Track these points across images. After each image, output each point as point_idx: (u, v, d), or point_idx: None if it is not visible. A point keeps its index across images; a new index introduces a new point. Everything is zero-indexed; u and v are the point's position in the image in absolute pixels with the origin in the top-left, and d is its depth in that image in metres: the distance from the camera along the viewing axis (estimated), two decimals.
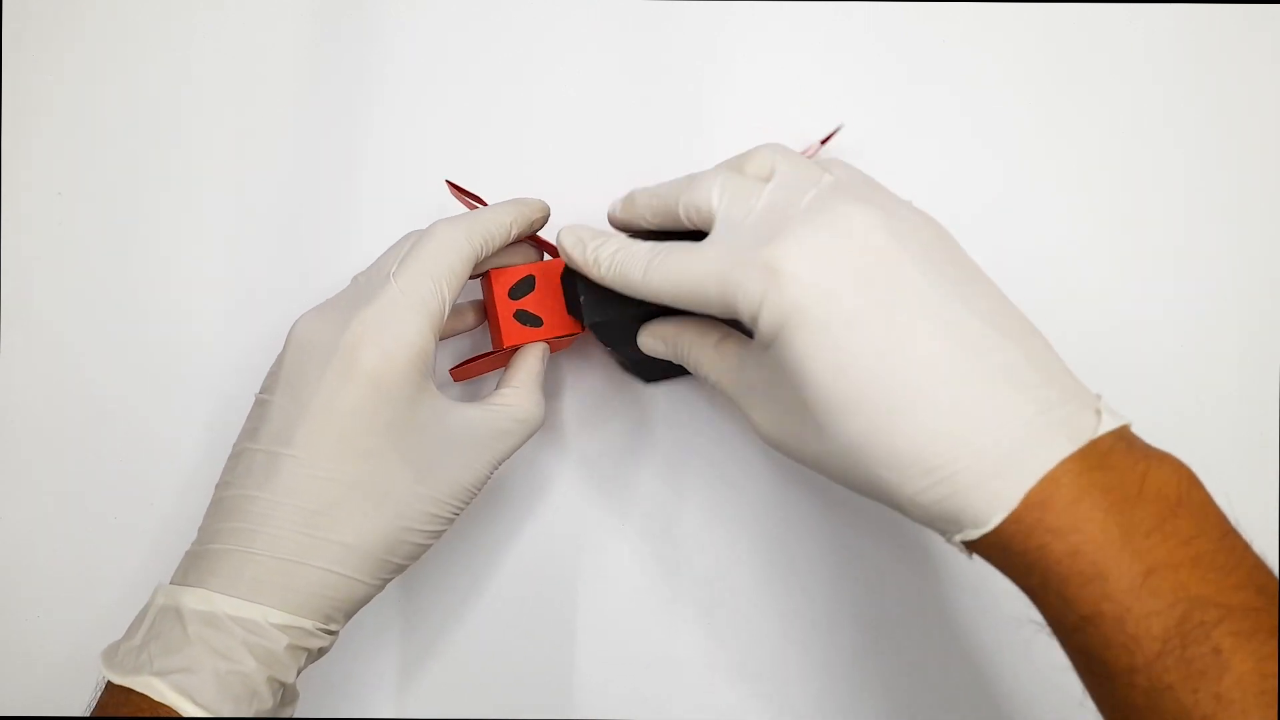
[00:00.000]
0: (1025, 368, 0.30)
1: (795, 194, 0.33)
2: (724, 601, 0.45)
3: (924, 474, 0.29)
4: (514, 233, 0.39)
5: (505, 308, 0.41)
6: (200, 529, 0.35)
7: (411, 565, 0.37)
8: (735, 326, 0.37)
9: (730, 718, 0.44)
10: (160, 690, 0.31)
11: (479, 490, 0.37)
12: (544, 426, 0.40)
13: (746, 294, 0.31)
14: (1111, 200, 0.48)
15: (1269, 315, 0.47)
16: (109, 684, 0.32)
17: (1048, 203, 0.48)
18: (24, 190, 0.48)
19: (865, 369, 0.30)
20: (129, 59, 0.49)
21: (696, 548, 0.45)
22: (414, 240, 0.38)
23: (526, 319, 0.41)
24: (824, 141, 0.45)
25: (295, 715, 0.35)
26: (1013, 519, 0.28)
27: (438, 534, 0.37)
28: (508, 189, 0.42)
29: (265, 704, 0.32)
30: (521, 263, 0.42)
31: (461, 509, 0.37)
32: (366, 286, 0.37)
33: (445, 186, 0.43)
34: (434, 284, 0.36)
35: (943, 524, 0.30)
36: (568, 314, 0.41)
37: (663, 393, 0.46)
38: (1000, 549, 0.29)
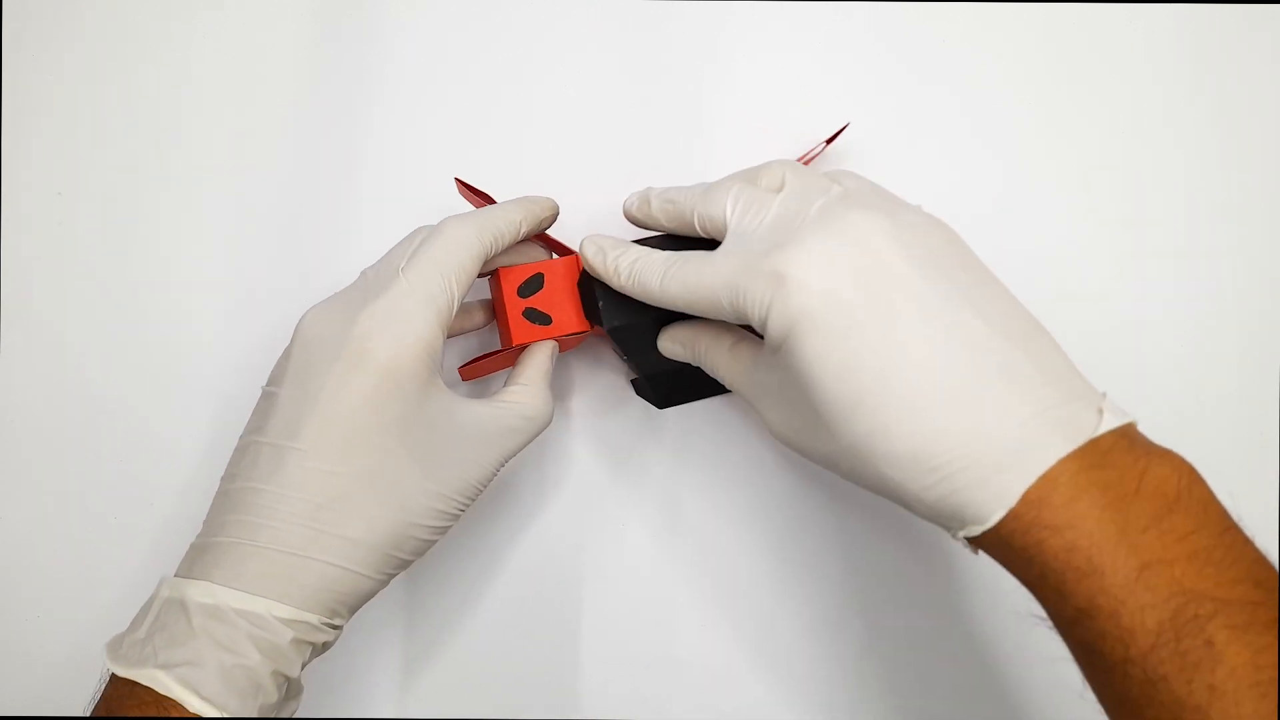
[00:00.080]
0: (1025, 368, 0.30)
1: (804, 204, 0.34)
2: (727, 601, 0.45)
3: (926, 473, 0.30)
4: (523, 231, 0.39)
5: (514, 305, 0.40)
6: (205, 521, 0.35)
7: (415, 561, 0.37)
8: (748, 330, 0.38)
9: (730, 718, 0.44)
10: (165, 683, 0.31)
11: (485, 487, 0.37)
12: (551, 425, 0.40)
13: (755, 300, 0.32)
14: (1111, 200, 0.48)
15: (1269, 315, 0.47)
16: (113, 676, 0.32)
17: (1048, 203, 0.48)
18: (24, 190, 0.48)
19: (866, 372, 0.30)
20: (129, 59, 0.49)
21: (701, 548, 0.45)
22: (424, 235, 0.38)
23: (535, 317, 0.41)
24: (829, 141, 0.45)
25: (298, 711, 0.35)
26: (1012, 516, 0.29)
27: (443, 530, 0.37)
28: (508, 189, 0.42)
29: (270, 698, 0.32)
30: (529, 261, 0.42)
31: (467, 505, 0.37)
32: (376, 280, 0.37)
33: (452, 184, 0.43)
34: (443, 279, 0.36)
35: (947, 520, 0.31)
36: (579, 314, 0.41)
37: None
38: (1001, 545, 0.29)
